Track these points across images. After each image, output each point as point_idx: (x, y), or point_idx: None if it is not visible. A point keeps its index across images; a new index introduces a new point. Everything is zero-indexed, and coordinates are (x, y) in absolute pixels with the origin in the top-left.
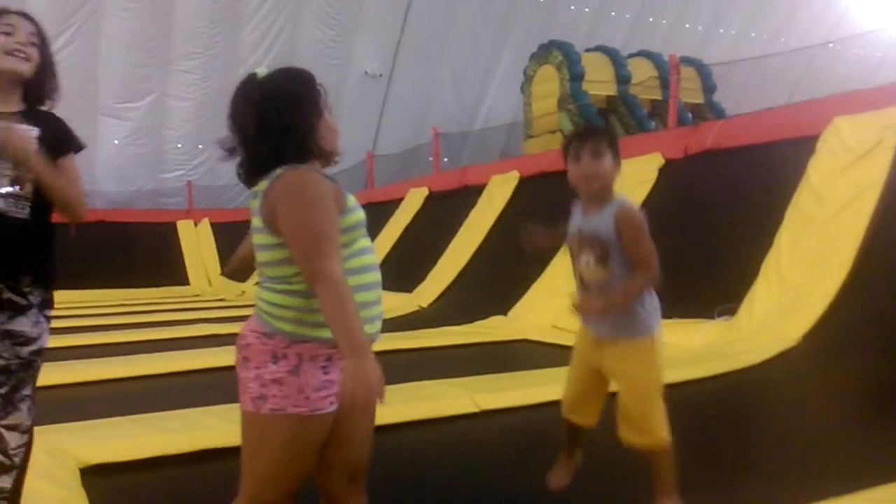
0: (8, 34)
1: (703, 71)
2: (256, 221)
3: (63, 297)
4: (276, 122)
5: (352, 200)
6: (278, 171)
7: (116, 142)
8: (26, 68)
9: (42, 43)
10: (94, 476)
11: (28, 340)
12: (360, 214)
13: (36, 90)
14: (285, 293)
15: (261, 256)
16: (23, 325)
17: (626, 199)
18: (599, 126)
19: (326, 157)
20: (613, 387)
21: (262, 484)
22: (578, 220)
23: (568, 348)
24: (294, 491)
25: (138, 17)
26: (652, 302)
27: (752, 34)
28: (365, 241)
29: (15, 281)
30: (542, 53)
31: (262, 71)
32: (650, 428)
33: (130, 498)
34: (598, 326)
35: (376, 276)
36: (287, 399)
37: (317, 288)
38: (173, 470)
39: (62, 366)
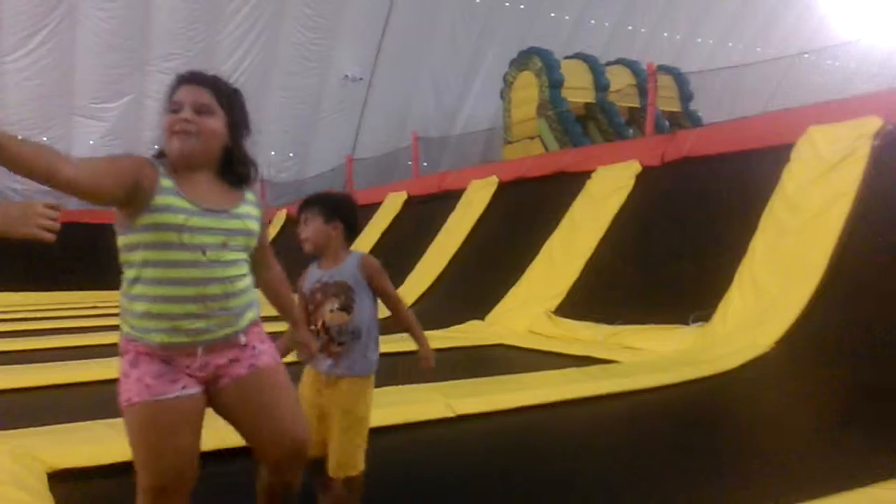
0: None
1: (680, 79)
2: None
3: (36, 299)
4: None
5: (168, 200)
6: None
7: (92, 142)
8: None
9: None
10: (62, 481)
11: None
12: (170, 218)
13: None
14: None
15: None
16: None
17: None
18: (315, 195)
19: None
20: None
21: (141, 472)
22: (317, 274)
23: (545, 353)
24: (177, 477)
25: (115, 17)
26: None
27: (730, 43)
28: (176, 254)
29: None
30: (522, 60)
31: None
32: (356, 462)
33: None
34: (332, 366)
35: (184, 290)
36: (130, 390)
37: None
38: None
39: (30, 369)
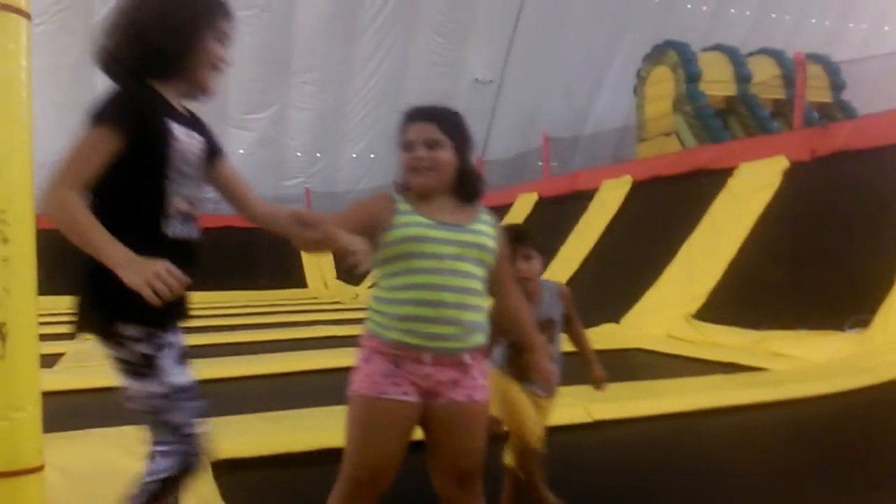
0: (221, 42)
1: (830, 68)
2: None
3: (193, 299)
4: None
5: (407, 219)
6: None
7: (242, 151)
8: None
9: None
10: (224, 470)
11: None
12: (411, 231)
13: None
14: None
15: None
16: None
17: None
18: (523, 228)
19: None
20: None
21: (347, 460)
22: None
23: (685, 359)
24: (376, 473)
25: (261, 33)
26: None
27: (886, 27)
28: (417, 262)
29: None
30: (657, 54)
31: None
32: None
33: (257, 493)
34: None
35: (422, 294)
36: (359, 382)
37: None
38: (298, 468)
39: (193, 363)
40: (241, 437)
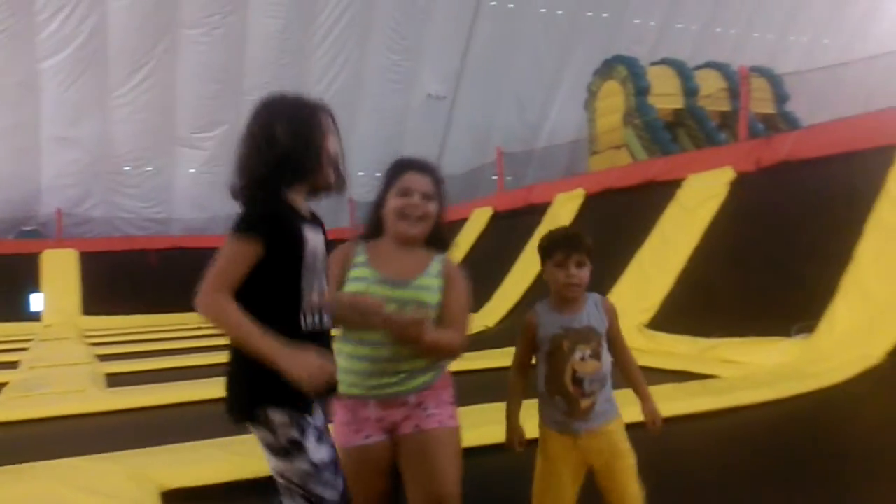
0: (332, 138)
1: (774, 81)
2: None
3: (143, 321)
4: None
5: (355, 272)
6: None
7: (192, 170)
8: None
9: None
10: (175, 501)
11: None
12: (355, 286)
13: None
14: None
15: None
16: None
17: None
18: (579, 234)
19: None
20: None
21: None
22: (557, 319)
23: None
24: None
25: (212, 50)
26: None
27: (826, 41)
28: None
29: None
30: (606, 69)
31: None
32: (637, 498)
33: None
34: (585, 423)
35: (360, 350)
36: (334, 434)
37: None
38: (250, 496)
39: (140, 390)
40: (196, 465)
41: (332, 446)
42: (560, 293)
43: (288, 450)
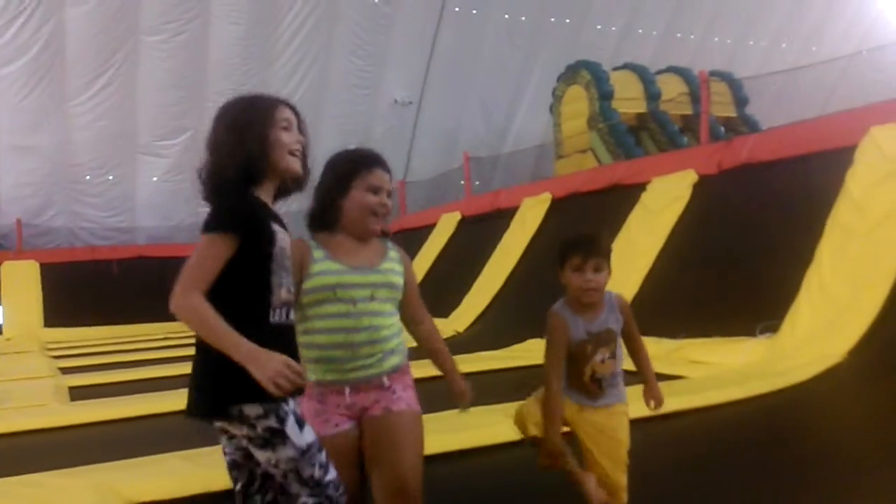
0: (287, 129)
1: (734, 84)
2: None
3: (109, 333)
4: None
5: (322, 266)
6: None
7: (155, 179)
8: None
9: (305, 133)
10: None
11: None
12: (326, 279)
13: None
14: None
15: None
16: None
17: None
18: (597, 237)
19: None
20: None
21: None
22: (581, 323)
23: None
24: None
25: (174, 57)
26: None
27: (783, 45)
28: (331, 307)
29: None
30: (570, 74)
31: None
32: (621, 488)
33: None
34: (594, 402)
35: (335, 338)
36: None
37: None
38: None
39: (107, 402)
40: (162, 478)
41: (311, 431)
42: (579, 298)
43: (269, 439)
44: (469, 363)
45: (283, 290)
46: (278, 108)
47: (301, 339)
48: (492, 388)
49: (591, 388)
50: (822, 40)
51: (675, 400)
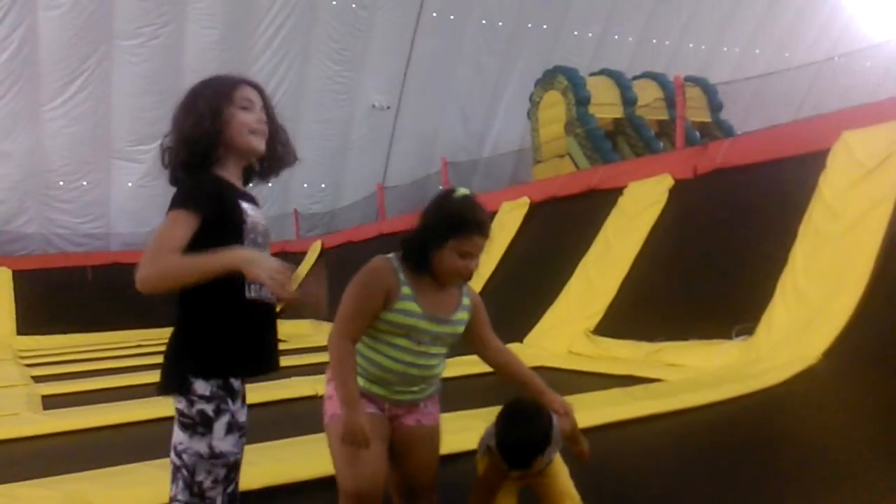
0: (246, 109)
1: (708, 90)
2: None
3: (80, 340)
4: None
5: (406, 305)
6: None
7: (130, 184)
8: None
9: (270, 113)
10: None
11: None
12: (404, 319)
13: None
14: None
15: None
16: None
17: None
18: (527, 451)
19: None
20: None
21: (343, 477)
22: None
23: (586, 374)
24: (371, 479)
25: (148, 62)
26: None
27: (757, 50)
28: (399, 341)
29: None
30: (547, 79)
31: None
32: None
33: None
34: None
35: (394, 366)
36: (337, 406)
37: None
38: None
39: (79, 411)
40: (136, 488)
41: (236, 449)
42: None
43: (195, 424)
44: (448, 368)
45: None
46: (238, 88)
47: (366, 351)
48: (470, 393)
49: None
50: (795, 46)
51: (652, 403)
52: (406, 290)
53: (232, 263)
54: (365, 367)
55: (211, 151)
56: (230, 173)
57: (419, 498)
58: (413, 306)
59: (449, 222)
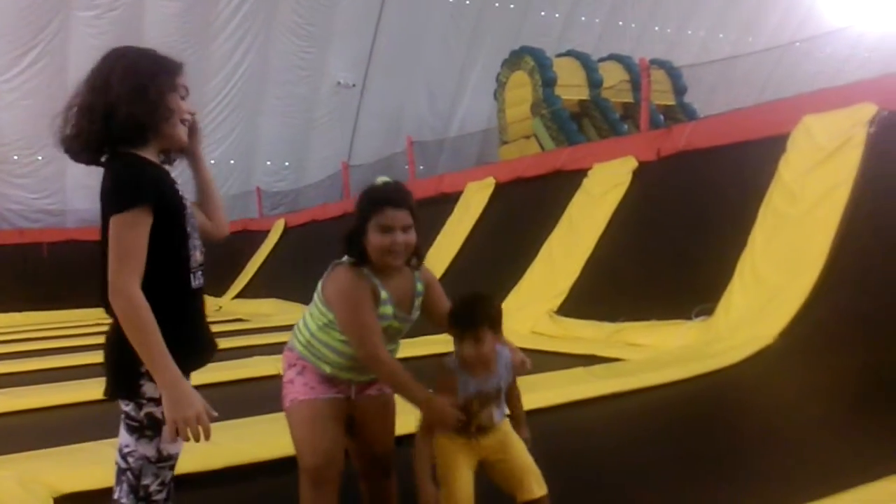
0: (184, 98)
1: (673, 73)
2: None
3: (37, 319)
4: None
5: (384, 309)
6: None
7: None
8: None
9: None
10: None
11: None
12: (381, 322)
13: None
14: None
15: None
16: None
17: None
18: (474, 308)
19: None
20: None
21: (303, 455)
22: (471, 382)
23: (549, 353)
24: (331, 458)
25: (106, 34)
26: None
27: (721, 35)
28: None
29: None
30: (514, 60)
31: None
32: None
33: None
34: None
35: (341, 360)
36: (298, 391)
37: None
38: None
39: (32, 390)
40: (91, 467)
41: (181, 447)
42: (468, 366)
43: (143, 427)
44: (412, 347)
45: (197, 253)
46: (181, 74)
47: (338, 346)
48: (434, 371)
49: (477, 434)
50: (758, 31)
51: (613, 382)
52: (385, 294)
53: (164, 384)
54: (335, 359)
55: (145, 135)
56: (152, 157)
57: (380, 466)
58: (388, 310)
59: (366, 203)
